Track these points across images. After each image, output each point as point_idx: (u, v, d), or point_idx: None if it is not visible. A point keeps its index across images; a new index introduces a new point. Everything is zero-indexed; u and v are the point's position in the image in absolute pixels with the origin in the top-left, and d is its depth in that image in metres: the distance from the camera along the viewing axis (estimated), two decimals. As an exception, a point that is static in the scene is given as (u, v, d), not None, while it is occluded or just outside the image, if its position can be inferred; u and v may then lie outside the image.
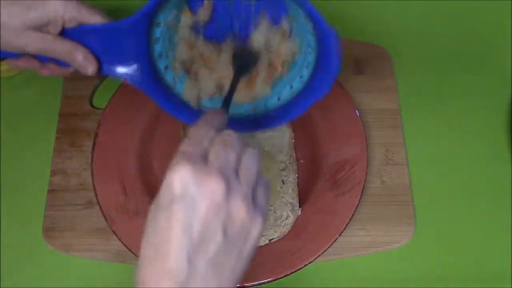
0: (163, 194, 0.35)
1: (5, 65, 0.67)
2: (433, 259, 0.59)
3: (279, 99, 0.52)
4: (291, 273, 0.54)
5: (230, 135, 0.38)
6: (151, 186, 0.60)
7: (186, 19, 0.51)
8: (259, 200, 0.38)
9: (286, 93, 0.52)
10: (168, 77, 0.52)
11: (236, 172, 0.37)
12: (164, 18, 0.49)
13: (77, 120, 0.65)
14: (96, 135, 0.62)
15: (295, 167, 0.61)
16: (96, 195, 0.59)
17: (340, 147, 0.61)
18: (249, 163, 0.38)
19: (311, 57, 0.49)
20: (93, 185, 0.59)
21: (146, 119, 0.63)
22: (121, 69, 0.48)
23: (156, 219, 0.35)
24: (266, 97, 0.53)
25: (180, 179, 0.34)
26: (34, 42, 0.45)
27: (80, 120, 0.65)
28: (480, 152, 0.64)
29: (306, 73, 0.50)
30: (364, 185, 0.59)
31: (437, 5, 0.74)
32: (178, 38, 0.51)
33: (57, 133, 0.65)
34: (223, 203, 0.35)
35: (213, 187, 0.34)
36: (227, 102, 0.46)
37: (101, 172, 0.60)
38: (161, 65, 0.51)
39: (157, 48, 0.50)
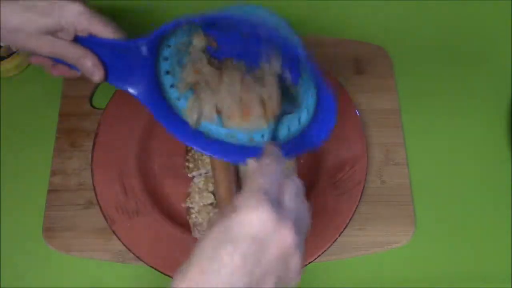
0: (238, 228, 0.35)
1: (5, 65, 0.67)
2: (433, 259, 0.59)
3: (274, 138, 0.52)
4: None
5: (301, 186, 0.40)
6: (151, 186, 0.60)
7: (198, 42, 0.51)
8: (304, 255, 0.39)
9: (283, 132, 0.52)
10: (173, 94, 0.52)
11: (300, 226, 0.38)
12: (175, 41, 0.49)
13: (77, 120, 0.65)
14: (96, 135, 0.62)
15: (295, 167, 0.61)
16: (96, 195, 0.59)
17: (340, 147, 0.61)
18: (307, 223, 0.40)
19: (311, 101, 0.49)
20: (93, 185, 0.59)
21: (146, 119, 0.63)
22: (125, 84, 0.49)
23: (220, 249, 0.34)
24: (262, 131, 0.53)
25: (260, 220, 0.35)
26: (46, 46, 0.47)
27: (80, 120, 0.65)
28: (480, 152, 0.64)
29: (304, 116, 0.50)
30: (364, 185, 0.59)
31: (437, 5, 0.74)
32: (187, 60, 0.51)
33: (57, 133, 0.65)
34: (288, 254, 0.36)
35: (286, 237, 0.35)
36: (276, 134, 0.47)
37: (101, 172, 0.60)
38: (167, 82, 0.51)
39: (165, 66, 0.50)
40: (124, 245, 0.56)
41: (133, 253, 0.56)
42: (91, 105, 0.67)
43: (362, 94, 0.66)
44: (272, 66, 0.50)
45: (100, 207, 0.58)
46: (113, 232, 0.57)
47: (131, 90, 0.49)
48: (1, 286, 0.57)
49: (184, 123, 0.53)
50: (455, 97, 0.68)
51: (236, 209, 0.35)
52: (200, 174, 0.60)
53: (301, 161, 0.62)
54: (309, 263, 0.55)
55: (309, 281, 0.58)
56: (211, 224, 0.36)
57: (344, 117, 0.63)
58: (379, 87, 0.67)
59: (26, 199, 0.62)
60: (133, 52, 0.47)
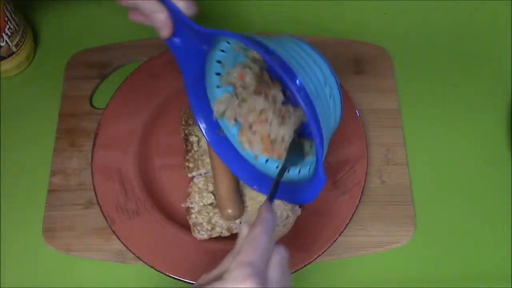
0: None
1: (5, 65, 0.67)
2: (433, 259, 0.59)
3: (299, 172, 0.53)
4: (291, 273, 0.54)
5: (286, 257, 0.41)
6: (151, 186, 0.60)
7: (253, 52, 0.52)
8: None
9: (293, 172, 0.53)
10: (214, 81, 0.54)
11: None
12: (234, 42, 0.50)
13: (77, 120, 0.65)
14: (96, 135, 0.62)
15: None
16: (96, 195, 0.59)
17: (340, 147, 0.61)
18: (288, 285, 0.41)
19: (312, 161, 0.51)
20: (93, 185, 0.59)
21: (146, 119, 0.64)
22: (180, 55, 0.52)
23: None
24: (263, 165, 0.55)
25: None
26: None
27: (80, 120, 0.65)
28: (480, 152, 0.64)
29: (304, 171, 0.52)
30: (364, 185, 0.59)
31: (437, 5, 0.74)
32: (242, 60, 0.52)
33: (57, 133, 0.65)
34: None
35: None
36: (272, 195, 0.47)
37: (101, 172, 0.60)
38: (214, 68, 0.53)
39: (218, 55, 0.51)
40: (124, 245, 0.56)
41: (133, 253, 0.56)
42: (91, 105, 0.67)
43: (362, 94, 0.66)
44: (299, 114, 0.52)
45: (100, 207, 0.58)
46: (113, 232, 0.57)
47: (181, 57, 0.52)
48: (1, 286, 0.57)
49: (210, 110, 0.55)
50: (455, 97, 0.68)
51: (222, 280, 0.37)
52: (200, 174, 0.60)
53: (301, 161, 0.62)
54: (309, 263, 0.55)
55: (309, 281, 0.58)
56: (199, 284, 0.38)
57: (344, 117, 0.62)
58: (379, 87, 0.67)
59: (26, 199, 0.62)
60: (197, 34, 0.49)
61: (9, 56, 0.66)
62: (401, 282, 0.58)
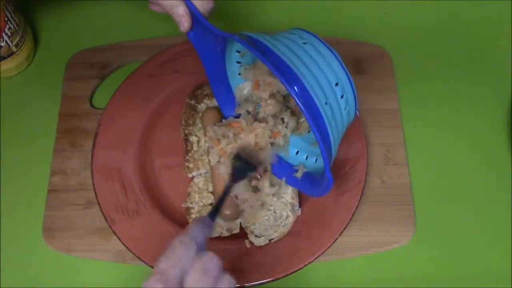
0: None
1: (5, 65, 0.67)
2: (433, 259, 0.59)
3: (297, 153, 0.57)
4: (291, 273, 0.54)
5: (211, 260, 0.41)
6: (151, 186, 0.60)
7: None
8: None
9: (301, 158, 0.56)
10: (235, 68, 0.56)
11: None
12: None
13: (77, 120, 0.65)
14: (96, 135, 0.62)
15: (295, 167, 0.61)
16: (96, 195, 0.59)
17: (340, 147, 0.61)
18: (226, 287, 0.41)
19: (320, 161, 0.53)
20: (93, 185, 0.59)
21: (146, 119, 0.64)
22: (201, 44, 0.54)
23: None
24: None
25: None
26: None
27: (80, 120, 0.65)
28: (480, 152, 0.64)
29: (321, 161, 0.53)
30: (364, 185, 0.59)
31: (437, 5, 0.74)
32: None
33: (57, 133, 0.65)
34: None
35: None
36: (215, 211, 0.47)
37: (101, 172, 0.60)
38: (234, 57, 0.55)
39: (238, 46, 0.54)
40: (124, 245, 0.56)
41: (133, 253, 0.56)
42: (91, 105, 0.67)
43: (362, 94, 0.66)
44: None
45: (100, 207, 0.58)
46: (113, 232, 0.57)
47: (200, 47, 0.54)
48: (1, 286, 0.57)
49: (231, 95, 0.58)
50: (455, 97, 0.68)
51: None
52: (200, 174, 0.60)
53: (301, 161, 0.62)
54: (309, 263, 0.55)
55: (309, 281, 0.58)
56: None
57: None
58: (379, 87, 0.67)
59: (26, 199, 0.62)
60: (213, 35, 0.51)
61: (9, 56, 0.66)
62: (401, 282, 0.58)
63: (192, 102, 0.64)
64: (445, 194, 0.62)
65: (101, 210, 0.58)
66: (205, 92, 0.64)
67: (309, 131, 0.56)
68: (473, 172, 0.63)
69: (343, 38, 0.70)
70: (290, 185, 0.56)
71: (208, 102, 0.64)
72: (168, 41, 0.68)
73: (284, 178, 0.57)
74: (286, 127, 0.55)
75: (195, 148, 0.61)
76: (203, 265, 0.41)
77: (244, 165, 0.54)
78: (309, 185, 0.54)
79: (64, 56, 0.69)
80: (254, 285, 0.54)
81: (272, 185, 0.58)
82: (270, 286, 0.55)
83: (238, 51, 0.55)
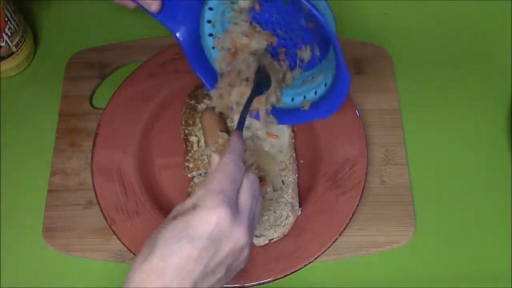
0: (197, 226, 0.39)
1: (5, 65, 0.67)
2: (433, 259, 0.59)
3: (292, 100, 0.58)
4: (291, 273, 0.54)
5: (256, 182, 0.44)
6: (151, 186, 0.60)
7: (244, 3, 0.54)
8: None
9: (299, 100, 0.57)
10: (209, 43, 0.57)
11: (252, 221, 0.43)
12: None
13: (77, 120, 0.65)
14: (96, 135, 0.62)
15: (295, 167, 0.61)
16: (96, 195, 0.59)
17: (340, 147, 0.61)
18: (259, 214, 0.45)
19: (329, 81, 0.52)
20: (93, 185, 0.59)
21: (146, 119, 0.64)
22: (172, 23, 0.54)
23: (179, 242, 0.38)
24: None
25: (219, 220, 0.39)
26: None
27: (80, 120, 0.65)
28: (480, 152, 0.64)
29: (320, 90, 0.54)
30: (364, 185, 0.59)
31: (437, 5, 0.74)
32: (231, 21, 0.56)
33: (57, 133, 0.65)
34: (240, 249, 0.41)
35: (239, 237, 0.40)
36: (241, 120, 0.49)
37: (101, 172, 0.60)
38: (207, 30, 0.56)
39: (208, 15, 0.55)
40: (124, 245, 0.56)
41: (133, 253, 0.56)
42: (91, 105, 0.67)
43: (362, 94, 0.66)
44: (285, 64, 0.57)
45: (100, 207, 0.58)
46: (113, 232, 0.57)
47: (172, 26, 0.54)
48: (1, 286, 0.57)
49: (211, 69, 0.58)
50: (455, 97, 0.68)
51: (196, 207, 0.39)
52: (200, 174, 0.60)
53: (302, 161, 0.62)
54: (309, 263, 0.55)
55: (309, 281, 0.58)
56: (173, 216, 0.40)
57: (344, 117, 0.63)
58: (379, 87, 0.67)
59: (26, 199, 0.62)
60: None
61: (9, 56, 0.66)
62: (401, 282, 0.58)
63: (192, 102, 0.64)
64: (445, 194, 0.62)
65: (101, 210, 0.58)
66: (205, 92, 0.64)
67: (294, 80, 0.58)
68: (473, 172, 0.63)
69: (343, 38, 0.70)
70: (303, 122, 0.57)
71: (208, 102, 0.64)
72: (168, 41, 0.68)
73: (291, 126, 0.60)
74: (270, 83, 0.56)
75: (195, 148, 0.61)
76: (252, 187, 0.43)
77: (265, 78, 0.55)
78: (321, 109, 0.54)
79: (64, 56, 0.69)
80: (254, 285, 0.54)
81: (274, 190, 0.58)
82: (270, 286, 0.55)
83: (208, 21, 0.55)
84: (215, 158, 0.44)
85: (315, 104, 0.55)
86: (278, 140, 0.61)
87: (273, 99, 0.57)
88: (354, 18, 0.74)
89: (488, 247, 0.59)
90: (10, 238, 0.60)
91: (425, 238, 0.59)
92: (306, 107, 0.55)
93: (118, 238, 0.56)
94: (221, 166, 0.42)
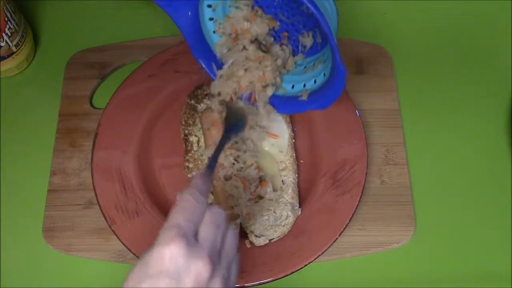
0: (153, 264, 0.37)
1: (5, 65, 0.67)
2: (433, 259, 0.59)
3: (293, 87, 0.57)
4: (291, 273, 0.54)
5: (220, 214, 0.42)
6: (151, 186, 0.60)
7: None
8: (231, 279, 0.42)
9: (299, 88, 0.57)
10: (210, 26, 0.57)
11: (219, 252, 0.41)
12: None
13: (77, 120, 0.65)
14: (96, 135, 0.62)
15: (295, 167, 0.61)
16: (96, 195, 0.59)
17: (340, 147, 0.61)
18: (230, 246, 0.42)
19: (328, 71, 0.52)
20: (93, 185, 0.59)
21: (146, 119, 0.63)
22: (171, 7, 0.53)
23: (139, 284, 0.37)
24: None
25: (172, 255, 0.37)
26: None
27: (80, 120, 0.65)
28: (480, 152, 0.65)
29: (320, 79, 0.54)
30: (364, 185, 0.59)
31: (437, 6, 0.74)
32: (230, 2, 0.55)
33: (57, 133, 0.65)
34: (206, 282, 0.38)
35: (201, 269, 0.38)
36: (212, 164, 0.48)
37: (101, 172, 0.60)
38: (207, 14, 0.56)
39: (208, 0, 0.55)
40: (124, 245, 0.56)
41: (133, 253, 0.56)
42: (91, 105, 0.67)
43: (362, 94, 0.66)
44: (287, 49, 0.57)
45: (100, 207, 0.58)
46: (113, 232, 0.57)
47: (172, 13, 0.54)
48: (1, 286, 0.57)
49: (212, 53, 0.58)
50: (455, 97, 0.68)
51: (154, 245, 0.38)
52: (200, 174, 0.60)
53: (301, 161, 0.62)
54: (309, 263, 0.55)
55: (309, 281, 0.58)
56: (140, 257, 0.39)
57: (344, 117, 0.63)
58: (379, 87, 0.67)
59: (26, 199, 0.62)
60: None
61: (9, 56, 0.66)
62: (401, 282, 0.58)
63: (192, 102, 0.64)
64: (445, 194, 0.62)
65: (101, 210, 0.58)
66: (205, 92, 0.64)
67: (296, 66, 0.58)
68: (473, 172, 0.63)
69: (343, 38, 0.70)
70: (300, 112, 0.56)
71: (208, 102, 0.64)
72: (168, 41, 0.68)
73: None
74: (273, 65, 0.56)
75: (195, 148, 0.61)
76: (215, 218, 0.41)
77: (236, 118, 0.55)
78: (319, 100, 0.54)
79: (64, 56, 0.69)
80: (254, 285, 0.54)
81: (274, 190, 0.58)
82: (270, 286, 0.55)
83: (209, 6, 0.55)
84: (178, 196, 0.43)
85: (313, 94, 0.55)
86: (278, 140, 0.61)
87: (277, 78, 0.57)
88: (354, 18, 0.74)
89: (488, 247, 0.59)
90: (10, 238, 0.60)
91: (425, 238, 0.59)
92: (304, 97, 0.55)
93: (118, 238, 0.56)
94: (178, 203, 0.41)
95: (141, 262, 0.38)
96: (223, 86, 0.56)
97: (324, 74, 0.53)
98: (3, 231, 0.60)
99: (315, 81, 0.55)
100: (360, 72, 0.68)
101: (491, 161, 0.64)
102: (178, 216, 0.40)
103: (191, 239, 0.39)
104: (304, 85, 0.56)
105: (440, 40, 0.72)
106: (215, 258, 0.39)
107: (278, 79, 0.57)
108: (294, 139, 0.62)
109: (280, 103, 0.58)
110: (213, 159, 0.49)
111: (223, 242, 0.41)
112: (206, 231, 0.40)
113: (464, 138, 0.65)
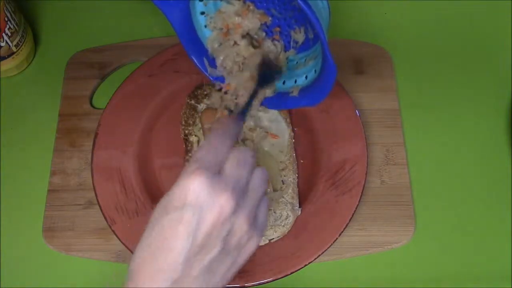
0: (174, 198, 0.37)
1: (5, 65, 0.67)
2: (433, 259, 0.59)
3: (284, 83, 0.57)
4: (291, 273, 0.54)
5: (246, 151, 0.41)
6: (151, 186, 0.60)
7: None
8: (259, 218, 0.41)
9: (290, 84, 0.57)
10: (201, 21, 0.56)
11: (245, 190, 0.40)
12: None
13: (77, 120, 0.65)
14: (96, 135, 0.62)
15: (295, 167, 0.61)
16: (96, 195, 0.59)
17: (340, 147, 0.61)
18: (257, 184, 0.41)
19: (318, 67, 0.52)
20: (93, 185, 0.59)
21: (146, 119, 0.63)
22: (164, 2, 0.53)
23: (161, 222, 0.37)
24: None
25: (195, 188, 0.37)
26: None
27: (80, 120, 0.65)
28: (480, 152, 0.64)
29: (311, 75, 0.54)
30: (364, 185, 0.59)
31: (437, 5, 0.74)
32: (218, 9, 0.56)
33: (57, 133, 0.65)
34: (228, 218, 0.37)
35: (223, 203, 0.37)
36: (244, 111, 0.48)
37: (101, 172, 0.60)
38: (198, 8, 0.56)
39: None
40: (124, 245, 0.56)
41: (133, 253, 0.55)
42: (91, 105, 0.67)
43: (362, 94, 0.66)
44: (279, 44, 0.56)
45: (100, 207, 0.58)
46: (113, 232, 0.57)
47: (162, 6, 0.54)
48: (1, 286, 0.57)
49: (203, 48, 0.58)
50: (455, 97, 0.68)
51: (177, 180, 0.38)
52: (200, 174, 0.60)
53: (301, 161, 0.62)
54: (309, 263, 0.55)
55: (309, 281, 0.58)
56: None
57: (344, 117, 0.63)
58: (379, 87, 0.67)
59: (26, 199, 0.62)
60: None
61: (9, 56, 0.66)
62: (401, 282, 0.58)
63: (192, 102, 0.64)
64: (445, 194, 0.62)
65: (101, 210, 0.58)
66: (205, 92, 0.64)
67: (288, 61, 0.57)
68: (473, 172, 0.63)
69: (343, 38, 0.70)
70: (291, 107, 0.57)
71: (208, 102, 0.64)
72: (168, 41, 0.68)
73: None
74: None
75: (195, 148, 0.61)
76: (240, 155, 0.40)
77: (269, 69, 0.55)
78: (310, 96, 0.54)
79: (64, 56, 0.69)
80: (254, 285, 0.54)
81: (274, 190, 0.58)
82: (270, 286, 0.55)
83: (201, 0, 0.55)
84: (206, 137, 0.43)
85: (304, 91, 0.55)
86: (278, 140, 0.61)
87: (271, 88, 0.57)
88: (354, 18, 0.74)
89: (488, 247, 0.59)
90: (10, 238, 0.60)
91: (425, 238, 0.59)
92: (295, 92, 0.55)
93: (118, 238, 0.56)
94: (204, 141, 0.41)
95: (166, 196, 0.38)
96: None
97: (315, 71, 0.53)
98: (3, 231, 0.60)
99: (306, 77, 0.55)
100: (360, 72, 0.68)
101: (491, 161, 0.64)
102: (202, 151, 0.39)
103: (214, 173, 0.38)
104: (295, 81, 0.56)
105: (440, 40, 0.72)
106: (239, 195, 0.38)
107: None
108: (294, 139, 0.62)
109: (270, 99, 0.57)
110: (246, 106, 0.48)
111: (249, 181, 0.40)
112: (231, 168, 0.39)
113: (464, 138, 0.65)
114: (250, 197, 0.40)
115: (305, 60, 0.56)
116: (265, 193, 0.57)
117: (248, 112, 0.49)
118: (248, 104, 0.50)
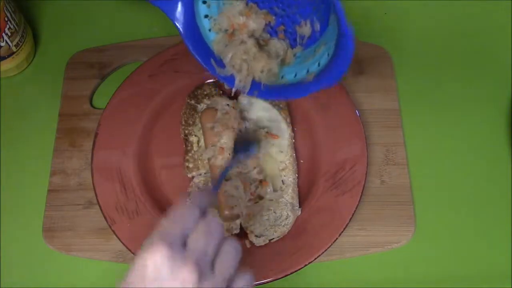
0: (135, 273, 0.36)
1: (5, 65, 0.67)
2: (433, 259, 0.59)
3: (295, 75, 0.55)
4: (291, 273, 0.54)
5: (213, 222, 0.39)
6: (151, 186, 0.60)
7: None
8: None
9: (302, 75, 0.55)
10: (205, 24, 0.56)
11: (212, 264, 0.38)
12: None
13: (77, 120, 0.65)
14: (96, 135, 0.62)
15: (295, 167, 0.61)
16: (96, 195, 0.59)
17: (340, 147, 0.61)
18: (228, 256, 0.39)
19: (331, 50, 0.51)
20: (93, 185, 0.59)
21: (146, 119, 0.63)
22: (166, 4, 0.53)
23: None
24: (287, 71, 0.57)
25: (155, 262, 0.35)
26: None
27: (80, 120, 0.65)
28: (480, 152, 0.64)
29: (323, 60, 0.53)
30: (364, 185, 0.59)
31: (437, 6, 0.74)
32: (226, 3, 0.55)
33: (57, 133, 0.65)
34: None
35: (185, 277, 0.35)
36: (219, 182, 0.48)
37: (101, 172, 0.60)
38: (202, 11, 0.55)
39: None
40: (124, 245, 0.56)
41: (133, 253, 0.56)
42: (91, 105, 0.67)
43: (362, 94, 0.66)
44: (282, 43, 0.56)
45: (100, 207, 0.58)
46: (113, 232, 0.57)
47: (167, 11, 0.54)
48: (1, 286, 0.57)
49: (210, 50, 0.56)
50: (455, 97, 0.68)
51: (139, 252, 0.37)
52: (200, 174, 0.60)
53: (301, 161, 0.62)
54: (309, 263, 0.55)
55: (309, 281, 0.58)
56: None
57: (344, 117, 0.63)
58: (379, 87, 0.67)
59: (26, 199, 0.62)
60: None
61: (9, 56, 0.66)
62: (401, 282, 0.58)
63: (192, 102, 0.64)
64: (445, 194, 0.62)
65: (101, 210, 0.58)
66: (205, 92, 0.64)
67: (295, 58, 0.56)
68: (473, 172, 0.63)
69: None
70: (308, 94, 0.54)
71: (208, 102, 0.64)
72: (168, 41, 0.68)
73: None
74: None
75: (195, 148, 0.61)
76: (207, 226, 0.39)
77: (244, 142, 0.56)
78: (326, 77, 0.52)
79: (64, 56, 0.69)
80: (254, 285, 0.54)
81: (274, 190, 0.58)
82: (270, 286, 0.55)
83: (204, 1, 0.55)
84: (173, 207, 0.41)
85: (319, 75, 0.53)
86: (278, 140, 0.61)
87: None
88: (354, 18, 0.73)
89: (488, 247, 0.59)
90: (10, 238, 0.60)
91: (425, 238, 0.59)
92: (310, 78, 0.53)
93: (118, 238, 0.56)
94: (172, 214, 0.39)
95: (129, 269, 0.37)
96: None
97: (328, 54, 0.52)
98: (3, 231, 0.60)
99: (319, 64, 0.54)
100: (360, 72, 0.68)
101: (491, 161, 0.64)
102: (167, 221, 0.38)
103: (176, 246, 0.37)
104: (308, 71, 0.55)
105: (440, 40, 0.72)
106: (204, 267, 0.37)
107: (275, 70, 0.55)
108: (294, 139, 0.62)
109: (284, 89, 0.55)
110: (219, 181, 0.48)
111: (218, 252, 0.39)
112: (196, 239, 0.38)
113: (464, 138, 0.65)
114: (218, 270, 0.38)
115: (315, 51, 0.55)
116: (264, 196, 0.57)
117: (221, 185, 0.48)
118: (222, 176, 0.49)
